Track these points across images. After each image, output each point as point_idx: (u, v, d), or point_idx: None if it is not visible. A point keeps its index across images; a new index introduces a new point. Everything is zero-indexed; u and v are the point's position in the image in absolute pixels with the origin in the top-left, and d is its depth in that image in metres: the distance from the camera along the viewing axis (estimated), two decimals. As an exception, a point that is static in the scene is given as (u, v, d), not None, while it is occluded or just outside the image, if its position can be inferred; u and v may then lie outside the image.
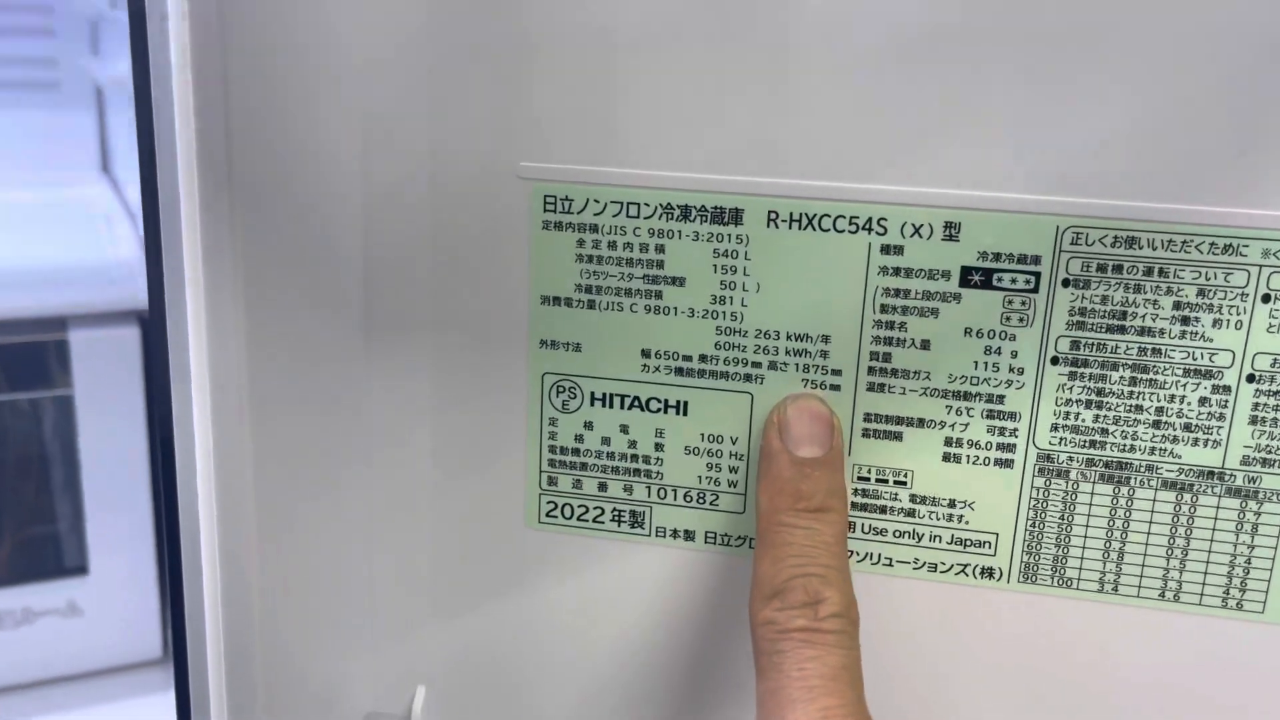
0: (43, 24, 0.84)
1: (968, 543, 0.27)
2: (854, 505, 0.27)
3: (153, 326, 0.27)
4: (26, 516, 0.55)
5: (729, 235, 0.26)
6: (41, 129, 0.81)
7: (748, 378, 0.27)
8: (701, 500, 0.28)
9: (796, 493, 0.25)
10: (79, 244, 0.61)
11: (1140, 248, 0.24)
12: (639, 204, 0.26)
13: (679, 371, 0.27)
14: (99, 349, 0.54)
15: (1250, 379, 0.24)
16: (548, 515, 0.29)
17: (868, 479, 0.27)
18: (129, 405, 0.55)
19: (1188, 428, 0.25)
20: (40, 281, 0.56)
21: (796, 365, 0.26)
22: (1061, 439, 0.26)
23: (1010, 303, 0.25)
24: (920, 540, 0.27)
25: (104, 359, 0.54)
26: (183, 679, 0.30)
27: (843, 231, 0.25)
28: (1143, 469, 0.25)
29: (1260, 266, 0.24)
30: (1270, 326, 0.24)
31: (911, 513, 0.27)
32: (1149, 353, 0.25)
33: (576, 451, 0.28)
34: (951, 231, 0.25)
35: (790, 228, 0.26)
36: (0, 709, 0.54)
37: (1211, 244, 0.24)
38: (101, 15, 0.78)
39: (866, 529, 0.27)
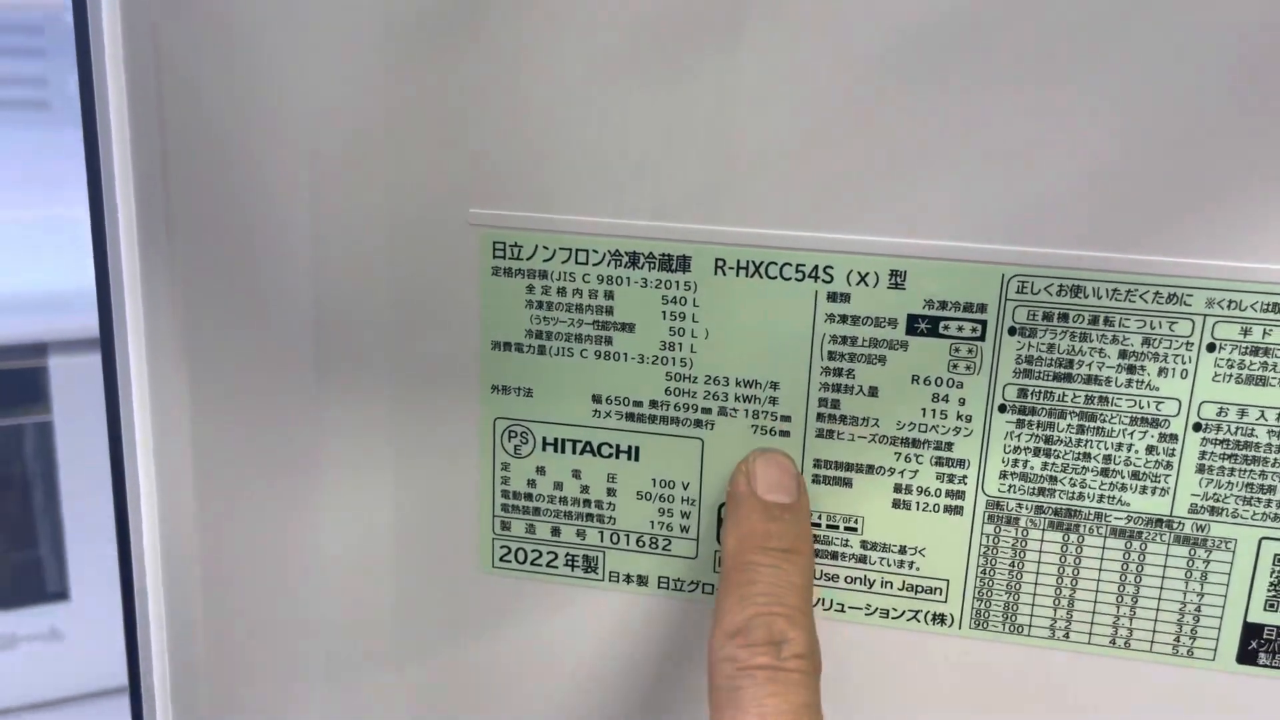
0: (33, 44, 0.84)
1: (919, 589, 0.27)
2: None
3: (105, 375, 0.27)
4: (7, 542, 0.55)
5: (677, 282, 0.26)
6: (31, 148, 0.81)
7: (698, 423, 0.27)
8: (654, 545, 0.28)
9: (766, 533, 0.25)
10: (61, 267, 0.61)
11: (1086, 296, 0.24)
12: (587, 250, 0.26)
13: (630, 417, 0.27)
14: (78, 375, 0.54)
15: (1196, 428, 0.24)
16: (501, 560, 0.29)
17: (819, 524, 0.27)
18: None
19: (1135, 475, 0.25)
20: (21, 307, 0.56)
21: (746, 411, 0.26)
22: (1010, 486, 0.26)
23: (957, 350, 0.25)
24: (871, 586, 0.27)
25: (83, 385, 0.54)
26: (137, 714, 0.30)
27: (790, 279, 0.25)
28: (1091, 516, 0.25)
29: (1204, 316, 0.24)
30: (1215, 376, 0.24)
31: (863, 559, 0.27)
32: (1096, 400, 0.25)
33: (529, 496, 0.28)
34: (897, 279, 0.25)
35: (738, 275, 0.26)
36: (-19, 735, 0.54)
37: (1156, 293, 0.24)
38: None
39: (818, 575, 0.27)
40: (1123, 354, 0.24)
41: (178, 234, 0.26)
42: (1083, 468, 0.25)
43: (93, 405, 0.55)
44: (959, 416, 0.25)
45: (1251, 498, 0.24)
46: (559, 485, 0.28)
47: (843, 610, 0.27)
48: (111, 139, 0.24)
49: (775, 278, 0.25)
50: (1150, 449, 0.25)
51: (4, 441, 0.54)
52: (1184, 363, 0.24)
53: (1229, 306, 0.24)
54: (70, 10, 0.25)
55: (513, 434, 0.28)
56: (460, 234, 0.27)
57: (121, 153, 0.25)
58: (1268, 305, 0.23)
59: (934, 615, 0.27)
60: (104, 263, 0.26)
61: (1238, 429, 0.24)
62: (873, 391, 0.26)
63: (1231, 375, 0.24)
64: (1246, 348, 0.24)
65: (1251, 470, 0.24)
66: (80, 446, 0.55)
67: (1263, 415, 0.24)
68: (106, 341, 0.27)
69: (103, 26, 0.23)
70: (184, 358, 0.27)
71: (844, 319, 0.25)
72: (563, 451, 0.28)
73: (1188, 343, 0.24)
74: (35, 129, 0.83)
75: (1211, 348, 0.24)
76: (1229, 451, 0.24)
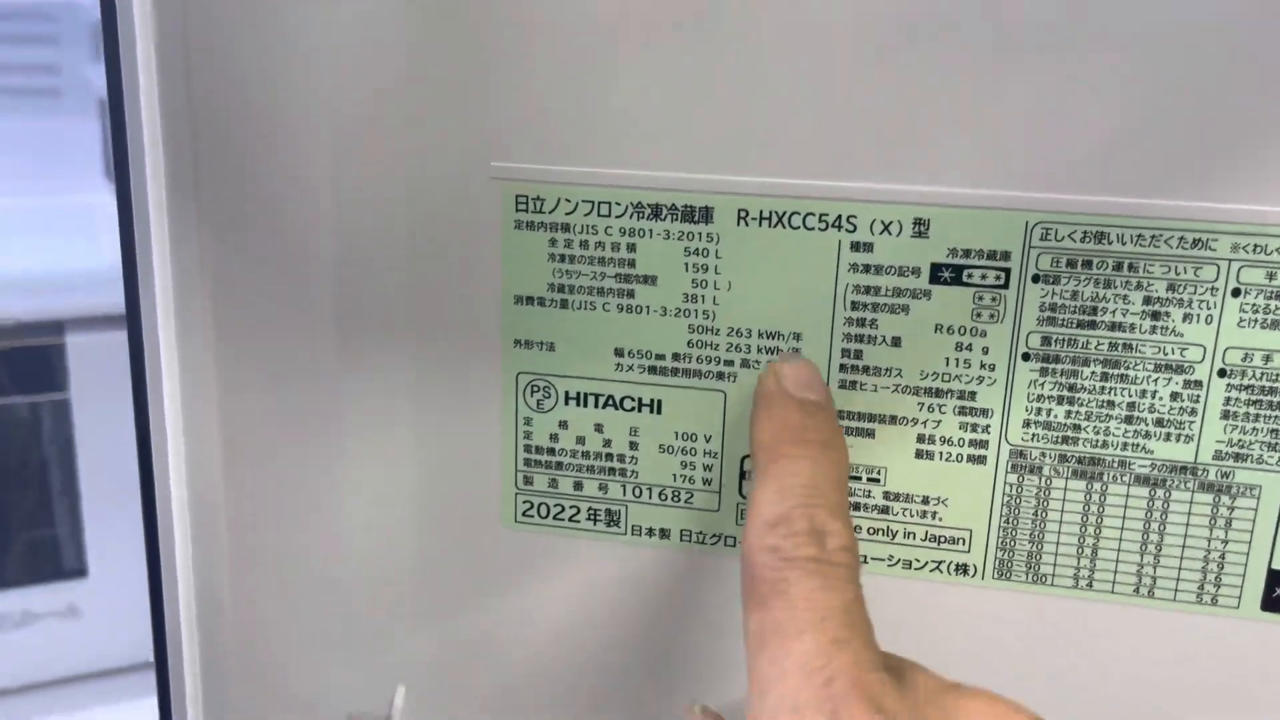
0: (46, 32, 0.84)
1: (942, 539, 0.27)
2: (828, 503, 0.27)
3: (130, 334, 0.28)
4: (25, 520, 0.55)
5: (700, 234, 0.26)
6: (44, 136, 0.82)
7: (720, 376, 0.27)
8: (676, 498, 0.28)
9: (802, 424, 0.24)
10: (80, 249, 0.62)
11: (1110, 243, 0.24)
12: (610, 203, 0.26)
13: (652, 370, 0.27)
14: (95, 353, 0.54)
15: (1221, 374, 0.24)
16: (524, 515, 0.29)
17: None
18: (125, 409, 0.55)
19: (1160, 423, 0.25)
20: (38, 286, 0.56)
21: (768, 363, 0.26)
22: (1034, 435, 0.26)
23: (980, 299, 0.25)
24: (894, 537, 0.27)
25: (100, 363, 0.54)
26: (164, 685, 0.30)
27: (812, 229, 0.25)
28: (1115, 464, 0.25)
29: (1229, 260, 0.24)
30: (1240, 321, 0.24)
31: (885, 510, 0.27)
32: (1120, 348, 0.25)
33: (551, 451, 0.28)
34: (921, 228, 0.25)
35: (760, 225, 0.26)
36: (0, 711, 0.55)
37: (1180, 238, 0.24)
38: None
39: (841, 526, 0.27)
40: (1147, 300, 0.24)
41: (205, 195, 0.26)
42: (1106, 415, 0.25)
43: (110, 383, 0.55)
44: (982, 365, 0.25)
45: (1277, 444, 0.24)
46: (581, 439, 0.28)
47: (865, 561, 0.27)
48: (140, 101, 0.24)
49: (798, 228, 0.25)
50: (1175, 396, 0.25)
51: (22, 420, 0.55)
52: (1209, 308, 0.24)
53: (1254, 250, 0.24)
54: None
55: (535, 389, 0.28)
56: (482, 188, 0.27)
57: (150, 114, 0.25)
58: (1293, 249, 0.23)
59: (957, 566, 0.27)
60: (129, 221, 0.26)
61: (1263, 374, 0.24)
62: (895, 341, 0.26)
63: (1257, 320, 0.24)
64: (1272, 292, 0.24)
65: (1277, 416, 0.24)
66: (97, 424, 0.55)
67: (1288, 360, 0.24)
68: (132, 306, 0.27)
69: (132, 5, 0.24)
70: (211, 320, 0.27)
71: (867, 269, 0.25)
72: (585, 405, 0.28)
73: (1213, 288, 0.24)
74: (48, 116, 0.83)
75: (1237, 293, 0.24)
76: (1254, 397, 0.24)
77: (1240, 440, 0.25)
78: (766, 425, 0.24)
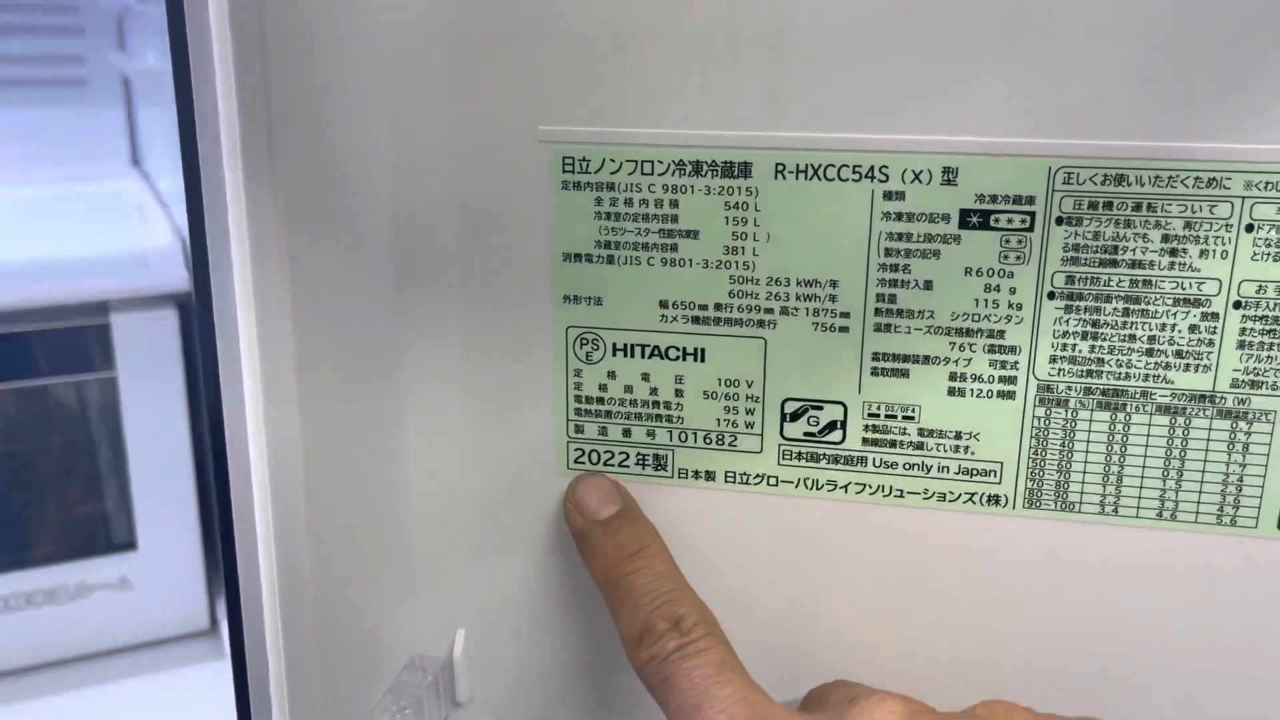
0: (69, 22, 0.86)
1: (974, 472, 0.28)
2: (865, 440, 0.29)
3: (199, 302, 0.29)
4: (78, 496, 0.57)
5: (739, 188, 0.27)
6: (72, 125, 0.83)
7: (761, 323, 0.28)
8: (720, 442, 0.30)
9: (617, 547, 0.28)
10: (116, 233, 0.63)
11: (1129, 184, 0.25)
12: (652, 162, 0.28)
13: (695, 320, 0.29)
14: (140, 332, 0.56)
15: (1237, 305, 0.26)
16: (576, 461, 0.31)
17: (878, 415, 0.28)
18: (170, 386, 0.57)
19: (1179, 354, 0.26)
20: (82, 269, 0.58)
21: (806, 310, 0.28)
22: (1060, 370, 0.27)
23: (1007, 242, 0.26)
24: (929, 471, 0.28)
25: (145, 342, 0.56)
26: (237, 631, 0.32)
27: (846, 180, 0.27)
28: (1138, 395, 0.27)
29: (1243, 198, 0.25)
30: (1254, 255, 0.25)
31: (920, 445, 0.28)
32: (1140, 284, 0.26)
33: (601, 400, 0.30)
34: (950, 176, 0.26)
35: (797, 179, 0.27)
36: (57, 680, 0.57)
37: (1196, 178, 0.25)
38: (127, 10, 0.80)
39: (877, 463, 0.29)
40: (1165, 238, 0.26)
41: (278, 157, 0.27)
42: (1128, 349, 0.27)
43: (155, 360, 0.57)
44: (1010, 305, 0.27)
45: (1290, 371, 0.26)
46: (629, 388, 0.30)
47: (901, 495, 0.29)
48: (216, 91, 0.26)
49: (833, 179, 0.27)
50: (1193, 328, 0.26)
51: (70, 398, 0.57)
52: (1224, 244, 0.25)
53: (1266, 188, 0.25)
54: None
55: (584, 341, 0.30)
56: (530, 150, 0.28)
57: (227, 101, 0.26)
58: (1304, 185, 0.25)
59: (989, 497, 0.28)
60: (199, 216, 0.28)
61: (1276, 305, 0.26)
62: (928, 285, 0.27)
63: (1270, 254, 0.25)
64: (1284, 226, 0.25)
65: (1290, 344, 0.26)
66: (144, 401, 0.57)
67: (1300, 291, 0.25)
68: (202, 283, 0.28)
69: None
70: (289, 285, 0.28)
71: (899, 216, 0.27)
72: (632, 356, 0.29)
73: (1227, 224, 0.25)
74: (74, 106, 0.85)
75: (1250, 228, 0.25)
76: (1268, 327, 0.26)
77: (1256, 369, 0.26)
78: (595, 562, 0.29)
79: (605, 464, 0.31)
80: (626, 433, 0.30)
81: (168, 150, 0.73)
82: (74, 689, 0.56)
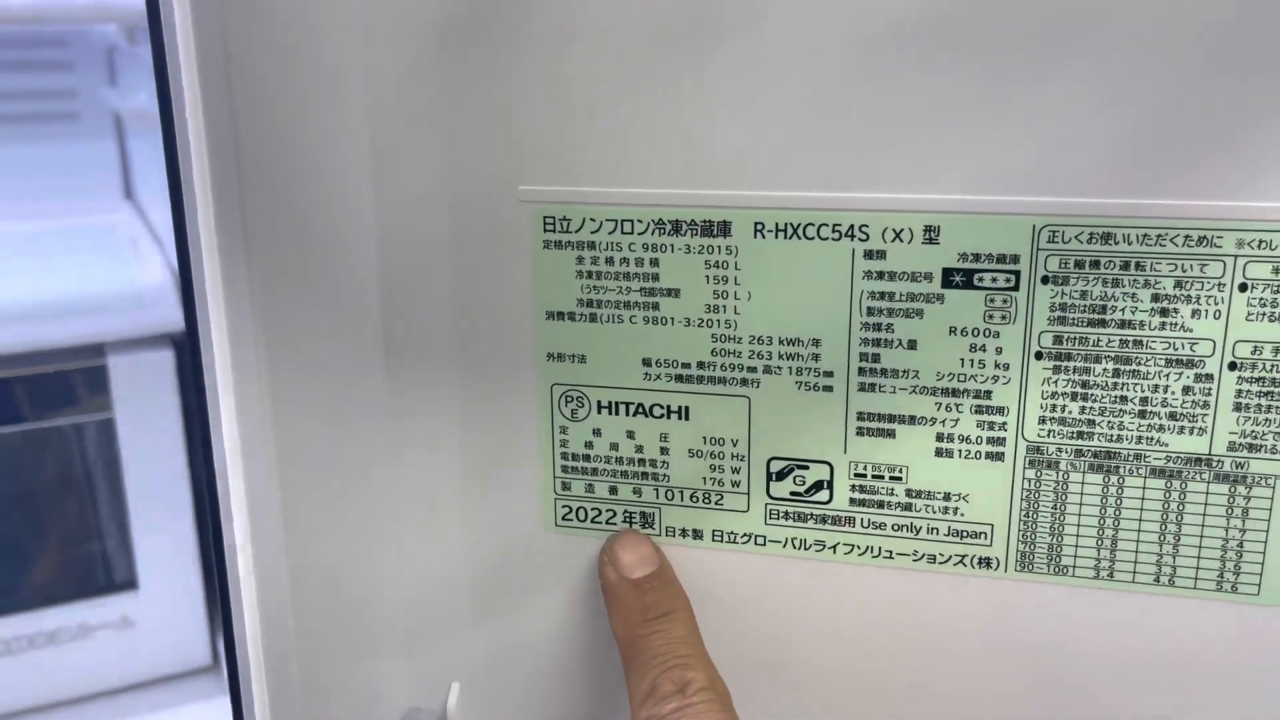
0: (61, 58, 0.86)
1: (964, 534, 0.28)
2: (852, 501, 0.28)
3: (190, 352, 0.29)
4: (78, 536, 0.57)
5: (719, 247, 0.27)
6: (64, 159, 0.84)
7: (744, 382, 0.28)
8: (707, 500, 0.29)
9: (643, 607, 0.28)
10: (110, 270, 0.64)
11: (1116, 243, 0.25)
12: (632, 220, 0.27)
13: (679, 378, 0.28)
14: (136, 373, 0.56)
15: (1232, 366, 0.25)
16: (564, 519, 0.30)
17: (864, 474, 0.28)
18: (168, 425, 0.57)
19: (1173, 416, 0.26)
20: (78, 310, 0.58)
21: (789, 369, 0.27)
22: (1050, 431, 0.26)
23: (992, 301, 0.26)
24: (918, 533, 0.28)
25: (142, 382, 0.56)
26: (235, 689, 0.32)
27: (826, 239, 0.26)
28: (1131, 458, 0.26)
29: (1235, 256, 0.24)
30: (1249, 315, 0.25)
31: (908, 506, 0.28)
32: (1131, 344, 0.25)
33: (587, 457, 0.30)
34: (931, 235, 0.26)
35: (776, 237, 0.27)
36: (65, 719, 0.57)
37: (1186, 236, 0.25)
38: (117, 47, 0.80)
39: (866, 523, 0.28)
40: (1155, 297, 0.25)
41: (254, 227, 0.27)
42: (1120, 410, 0.26)
43: (151, 401, 0.57)
44: (997, 365, 0.26)
45: (1288, 433, 0.25)
46: (615, 446, 0.29)
47: (890, 557, 0.28)
48: (189, 136, 0.26)
49: (813, 238, 0.26)
50: (1187, 389, 0.25)
51: (68, 439, 0.57)
52: (1217, 303, 0.25)
53: (1259, 246, 0.24)
54: (101, 24, 0.26)
55: (569, 399, 0.29)
56: (512, 210, 0.28)
57: (199, 155, 0.26)
58: (1297, 244, 0.24)
59: (980, 559, 0.28)
60: (186, 260, 0.28)
61: (1273, 366, 0.25)
62: (912, 344, 0.27)
63: (1264, 314, 0.25)
64: (1279, 285, 0.24)
65: (1287, 406, 0.25)
66: (141, 441, 0.57)
67: (1296, 351, 0.25)
68: (192, 335, 0.28)
69: (176, 38, 0.25)
70: (264, 339, 0.28)
71: (881, 275, 0.26)
72: (617, 414, 0.29)
73: (1220, 284, 0.25)
74: (67, 141, 0.85)
75: (1244, 287, 0.25)
76: (1265, 389, 0.25)
77: (1253, 431, 0.25)
78: (618, 618, 0.28)
79: (593, 521, 0.30)
80: (613, 490, 0.30)
81: (160, 183, 0.74)
82: (76, 729, 0.56)
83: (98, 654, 0.58)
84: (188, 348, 0.30)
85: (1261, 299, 0.25)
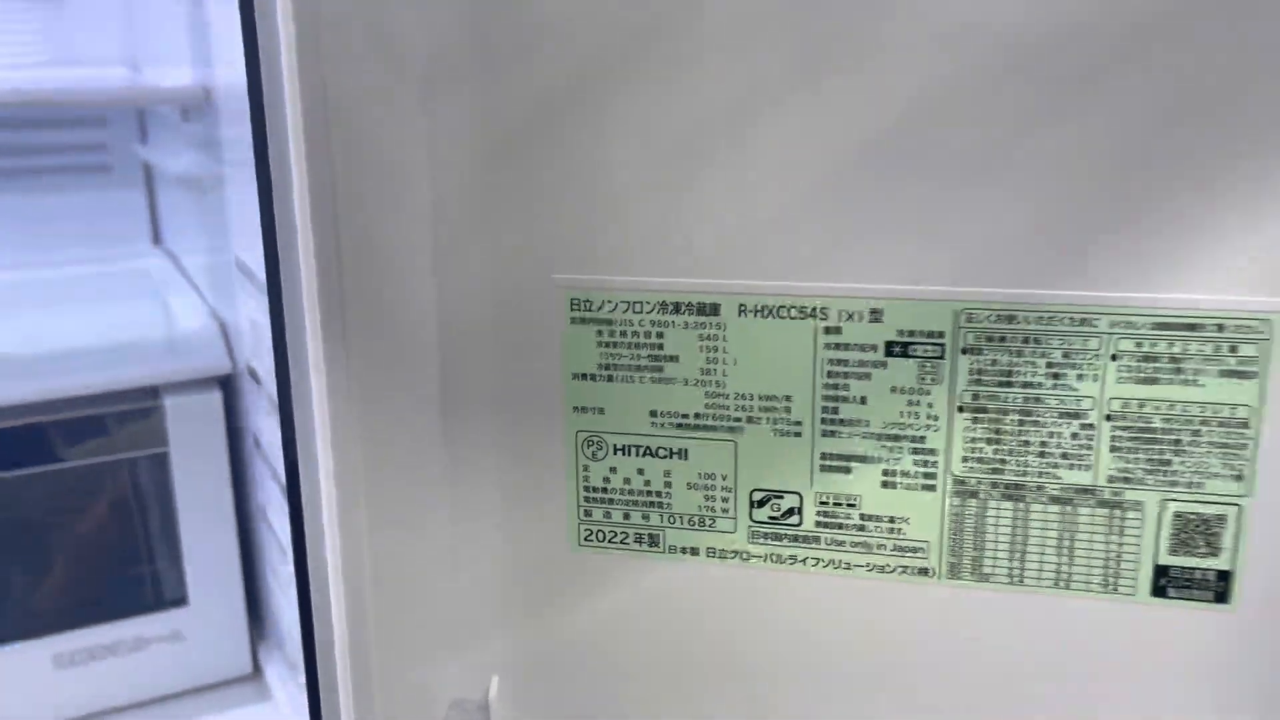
0: (94, 113, 0.93)
1: (906, 549, 0.35)
2: (818, 523, 0.35)
3: (280, 392, 0.36)
4: (135, 558, 0.64)
5: (710, 323, 0.34)
6: (97, 208, 0.90)
7: (731, 429, 0.35)
8: (702, 524, 0.36)
9: None
10: (152, 314, 0.70)
11: (1019, 322, 0.32)
12: (641, 302, 0.35)
13: (679, 426, 0.36)
14: (189, 412, 0.63)
15: (1108, 418, 0.32)
16: (585, 539, 0.37)
17: (827, 503, 0.35)
18: (216, 457, 0.64)
19: (1064, 456, 0.33)
20: (133, 356, 0.65)
21: (767, 419, 0.35)
22: (971, 467, 0.34)
23: (924, 366, 0.33)
24: (870, 549, 0.35)
25: (193, 420, 0.63)
26: (314, 684, 0.38)
27: (795, 318, 0.34)
28: (1034, 488, 0.33)
29: (1109, 334, 0.32)
30: (1119, 378, 0.32)
31: (861, 528, 0.35)
32: (1031, 400, 0.33)
33: (605, 490, 0.37)
34: (876, 315, 0.33)
35: (755, 316, 0.34)
36: (118, 725, 0.63)
37: (1070, 318, 0.32)
38: (149, 106, 0.87)
39: (829, 542, 0.35)
40: (1049, 364, 0.32)
41: (350, 303, 0.34)
42: (1025, 451, 0.33)
43: (202, 436, 0.63)
44: (929, 416, 0.34)
45: (1153, 470, 0.32)
46: (627, 480, 0.36)
47: (848, 568, 0.35)
48: (295, 228, 0.33)
49: (784, 317, 0.34)
50: (1074, 435, 0.33)
51: (127, 471, 0.63)
52: (1095, 369, 0.32)
53: (1125, 326, 0.32)
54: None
55: (590, 443, 0.36)
56: (547, 293, 0.35)
57: (303, 233, 0.33)
58: (1153, 324, 0.31)
59: (918, 569, 0.35)
60: (280, 311, 0.35)
61: (1138, 418, 0.32)
62: (863, 400, 0.34)
63: (1130, 377, 0.32)
64: (1140, 356, 0.32)
65: (1151, 449, 0.32)
66: (192, 472, 0.64)
67: (1156, 407, 0.32)
68: (284, 383, 0.35)
69: (288, 152, 0.32)
70: (360, 404, 0.35)
71: (838, 346, 0.34)
72: (629, 455, 0.36)
73: (1097, 354, 0.32)
74: (99, 190, 0.92)
75: (1115, 357, 0.32)
76: (1133, 435, 0.32)
77: (1125, 468, 0.33)
78: None
79: (610, 541, 0.37)
80: (626, 515, 0.37)
81: (188, 231, 0.80)
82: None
83: (151, 664, 0.64)
84: (275, 386, 0.37)
85: (1128, 366, 0.32)
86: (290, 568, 0.55)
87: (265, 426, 0.56)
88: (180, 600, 0.65)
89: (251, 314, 0.55)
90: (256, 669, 0.67)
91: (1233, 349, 0.31)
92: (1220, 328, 0.31)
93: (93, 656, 0.62)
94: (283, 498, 0.54)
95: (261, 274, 0.50)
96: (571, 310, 0.35)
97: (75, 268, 0.84)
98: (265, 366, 0.55)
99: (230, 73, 0.52)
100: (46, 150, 0.89)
